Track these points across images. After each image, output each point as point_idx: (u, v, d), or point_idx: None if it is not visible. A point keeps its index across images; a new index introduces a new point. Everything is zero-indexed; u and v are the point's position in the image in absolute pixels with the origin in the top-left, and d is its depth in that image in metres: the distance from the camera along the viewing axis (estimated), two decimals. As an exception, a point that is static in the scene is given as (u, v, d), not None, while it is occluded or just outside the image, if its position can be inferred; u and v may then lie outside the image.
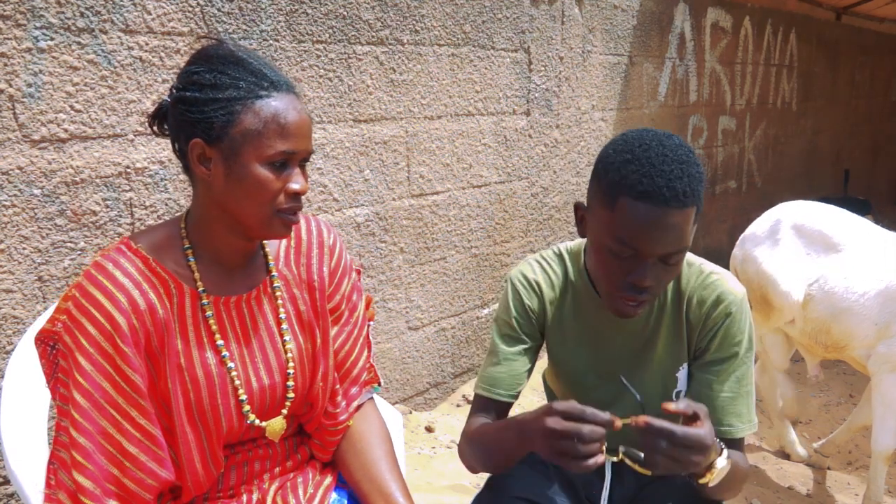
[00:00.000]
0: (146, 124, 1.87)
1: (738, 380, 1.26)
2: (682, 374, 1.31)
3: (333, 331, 1.30)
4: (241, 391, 1.16)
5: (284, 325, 1.23)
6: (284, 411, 1.23)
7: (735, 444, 1.24)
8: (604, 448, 1.03)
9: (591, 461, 1.01)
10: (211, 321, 1.15)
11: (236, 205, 1.10)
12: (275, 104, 1.08)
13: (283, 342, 1.22)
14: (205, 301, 1.15)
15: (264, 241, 1.24)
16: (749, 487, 2.71)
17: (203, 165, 1.09)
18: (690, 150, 1.13)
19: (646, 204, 1.07)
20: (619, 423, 1.02)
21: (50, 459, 1.08)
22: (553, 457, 1.04)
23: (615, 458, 1.09)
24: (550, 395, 1.54)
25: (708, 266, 1.31)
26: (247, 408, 1.17)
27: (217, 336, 1.15)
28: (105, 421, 1.04)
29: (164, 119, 1.16)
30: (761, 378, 2.96)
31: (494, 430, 1.25)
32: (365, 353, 1.35)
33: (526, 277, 1.35)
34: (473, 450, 1.31)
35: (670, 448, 1.01)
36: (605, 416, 1.02)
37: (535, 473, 1.31)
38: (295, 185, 1.11)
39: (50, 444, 1.30)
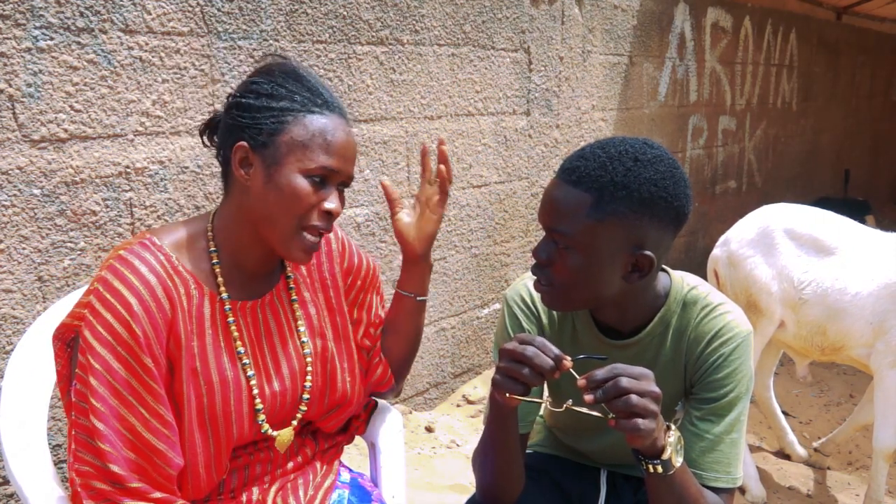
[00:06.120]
0: (146, 124, 1.88)
1: (726, 425, 1.16)
2: (680, 408, 1.27)
3: (375, 300, 1.35)
4: (257, 400, 1.16)
5: (303, 329, 1.23)
6: (294, 422, 1.23)
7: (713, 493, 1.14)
8: (569, 403, 1.02)
9: (523, 385, 0.99)
10: (232, 327, 1.15)
11: (268, 213, 1.10)
12: (324, 121, 1.11)
13: (302, 346, 1.23)
14: (227, 307, 1.15)
15: None
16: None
17: (243, 169, 1.10)
18: (644, 163, 1.08)
19: (555, 176, 1.15)
20: (568, 362, 0.99)
21: (70, 453, 1.06)
22: (498, 381, 1.01)
23: (560, 409, 1.03)
24: (549, 434, 1.51)
25: (717, 298, 1.22)
26: (262, 417, 1.17)
27: (238, 343, 1.15)
28: (118, 402, 1.03)
29: (215, 130, 1.18)
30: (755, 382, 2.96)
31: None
32: None
33: (523, 299, 1.29)
34: (474, 460, 1.25)
35: (627, 382, 0.94)
36: (555, 349, 0.99)
37: (529, 484, 1.28)
38: (330, 205, 1.12)
39: (50, 444, 1.30)
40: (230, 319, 1.15)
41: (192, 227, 1.17)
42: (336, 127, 1.11)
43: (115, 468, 1.02)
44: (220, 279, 1.14)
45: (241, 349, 1.15)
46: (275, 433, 1.20)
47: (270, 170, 1.09)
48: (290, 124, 1.09)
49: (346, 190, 1.19)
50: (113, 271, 1.06)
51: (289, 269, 1.25)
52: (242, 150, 1.10)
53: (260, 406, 1.17)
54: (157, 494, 1.05)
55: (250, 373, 1.16)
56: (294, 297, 1.24)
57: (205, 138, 1.20)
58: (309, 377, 1.22)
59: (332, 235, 1.30)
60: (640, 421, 0.94)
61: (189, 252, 1.13)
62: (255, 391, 1.16)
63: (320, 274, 1.27)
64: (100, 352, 1.03)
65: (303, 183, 1.09)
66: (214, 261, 1.15)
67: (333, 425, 1.31)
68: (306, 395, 1.22)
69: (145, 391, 1.05)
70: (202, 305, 1.12)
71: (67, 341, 1.11)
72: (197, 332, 1.11)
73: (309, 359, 1.23)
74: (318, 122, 1.10)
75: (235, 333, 1.15)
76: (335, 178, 1.12)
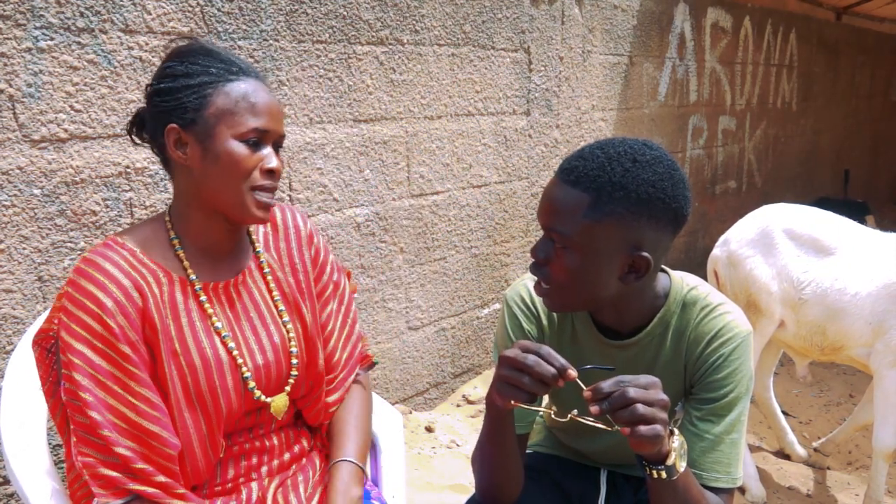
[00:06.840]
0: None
1: (727, 425, 1.16)
2: (680, 408, 1.26)
3: (326, 310, 1.34)
4: (244, 369, 1.19)
5: (280, 301, 1.26)
6: (287, 388, 1.25)
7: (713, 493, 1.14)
8: (575, 413, 1.01)
9: (528, 394, 0.98)
10: (206, 306, 1.17)
11: (213, 185, 1.13)
12: (244, 86, 1.14)
13: (283, 320, 1.25)
14: (198, 287, 1.17)
15: (249, 228, 1.27)
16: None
17: (179, 150, 1.13)
18: (643, 164, 1.08)
19: (554, 175, 1.15)
20: (573, 372, 0.97)
21: (73, 448, 1.08)
22: (499, 388, 1.00)
23: (564, 419, 1.02)
24: (549, 434, 1.51)
25: (717, 299, 1.22)
26: (252, 384, 1.19)
27: (214, 319, 1.17)
28: (105, 393, 1.05)
29: (143, 127, 1.20)
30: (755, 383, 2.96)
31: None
32: (357, 327, 1.39)
33: (523, 300, 1.28)
34: (473, 461, 1.25)
35: (634, 392, 0.93)
36: (560, 359, 0.97)
37: (529, 484, 1.27)
38: (270, 164, 1.15)
39: (50, 444, 1.30)
40: (203, 298, 1.17)
41: (152, 223, 1.21)
42: (257, 89, 1.14)
43: (120, 450, 1.04)
44: (185, 263, 1.17)
45: (219, 324, 1.18)
46: (269, 399, 1.22)
47: (205, 143, 1.12)
48: (213, 96, 1.11)
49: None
50: (80, 273, 1.09)
51: (258, 245, 1.27)
52: (174, 131, 1.12)
53: (248, 374, 1.19)
54: (161, 478, 1.07)
55: (231, 345, 1.18)
56: (267, 270, 1.26)
57: (134, 137, 1.22)
58: (294, 346, 1.25)
59: (301, 224, 1.33)
60: (655, 427, 0.94)
61: (153, 245, 1.17)
62: (240, 361, 1.18)
63: (290, 259, 1.30)
64: (78, 348, 1.06)
65: (239, 147, 1.12)
66: (177, 247, 1.18)
67: (314, 417, 1.32)
68: (295, 360, 1.25)
69: (128, 378, 1.07)
70: (174, 292, 1.15)
71: (48, 346, 1.14)
72: (172, 317, 1.14)
73: (290, 325, 1.25)
74: (239, 87, 1.13)
75: (210, 311, 1.18)
76: (268, 138, 1.15)
